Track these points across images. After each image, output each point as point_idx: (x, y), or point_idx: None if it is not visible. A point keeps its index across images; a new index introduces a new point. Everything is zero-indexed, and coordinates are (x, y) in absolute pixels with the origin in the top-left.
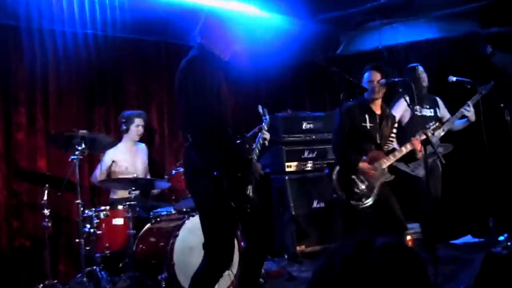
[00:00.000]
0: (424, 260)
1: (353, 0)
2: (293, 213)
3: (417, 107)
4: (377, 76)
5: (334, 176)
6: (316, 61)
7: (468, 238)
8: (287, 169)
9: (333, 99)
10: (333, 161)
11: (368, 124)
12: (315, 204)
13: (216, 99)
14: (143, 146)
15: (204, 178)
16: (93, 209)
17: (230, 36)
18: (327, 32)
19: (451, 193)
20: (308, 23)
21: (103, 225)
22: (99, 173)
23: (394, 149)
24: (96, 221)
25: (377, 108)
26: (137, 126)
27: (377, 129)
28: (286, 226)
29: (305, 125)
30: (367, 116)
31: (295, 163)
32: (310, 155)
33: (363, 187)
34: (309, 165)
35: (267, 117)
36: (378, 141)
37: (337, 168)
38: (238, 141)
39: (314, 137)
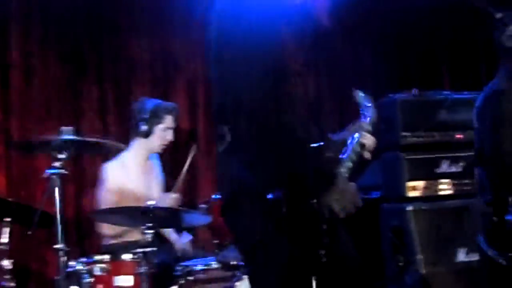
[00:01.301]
0: None
1: None
2: (423, 271)
3: None
4: None
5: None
6: None
7: None
8: (410, 194)
9: (496, 70)
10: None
11: None
12: (461, 256)
13: (279, 69)
14: (155, 157)
15: (252, 204)
16: (83, 259)
17: None
18: None
19: None
20: None
21: (100, 287)
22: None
23: None
24: (88, 280)
25: None
26: (165, 130)
27: None
28: None
29: (442, 116)
30: None
31: (424, 183)
32: (452, 169)
33: None
34: (451, 186)
35: (371, 108)
36: None
37: None
38: (316, 145)
39: (459, 136)
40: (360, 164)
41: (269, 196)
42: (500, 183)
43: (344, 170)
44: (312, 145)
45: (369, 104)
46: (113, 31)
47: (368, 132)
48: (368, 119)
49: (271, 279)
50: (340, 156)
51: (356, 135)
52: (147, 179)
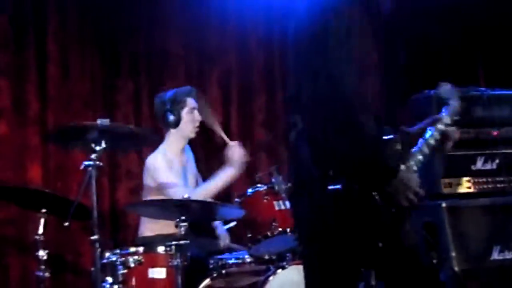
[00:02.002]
0: None
1: None
2: (456, 268)
3: None
4: None
5: None
6: None
7: None
8: (445, 190)
9: None
10: None
11: None
12: (495, 255)
13: (361, 64)
14: (188, 149)
15: (319, 193)
16: (118, 251)
17: None
18: None
19: None
20: None
21: (134, 278)
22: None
23: None
24: (122, 271)
25: None
26: (191, 112)
27: None
28: None
29: (478, 112)
30: None
31: (459, 180)
32: (488, 166)
33: None
34: (486, 184)
35: (455, 101)
36: None
37: None
38: (388, 137)
39: (495, 133)
40: (441, 156)
41: (330, 187)
42: None
43: (413, 163)
44: (384, 137)
45: (453, 96)
46: (148, 24)
47: (447, 125)
48: (449, 112)
49: (325, 269)
50: (413, 150)
51: (432, 128)
52: (184, 172)
